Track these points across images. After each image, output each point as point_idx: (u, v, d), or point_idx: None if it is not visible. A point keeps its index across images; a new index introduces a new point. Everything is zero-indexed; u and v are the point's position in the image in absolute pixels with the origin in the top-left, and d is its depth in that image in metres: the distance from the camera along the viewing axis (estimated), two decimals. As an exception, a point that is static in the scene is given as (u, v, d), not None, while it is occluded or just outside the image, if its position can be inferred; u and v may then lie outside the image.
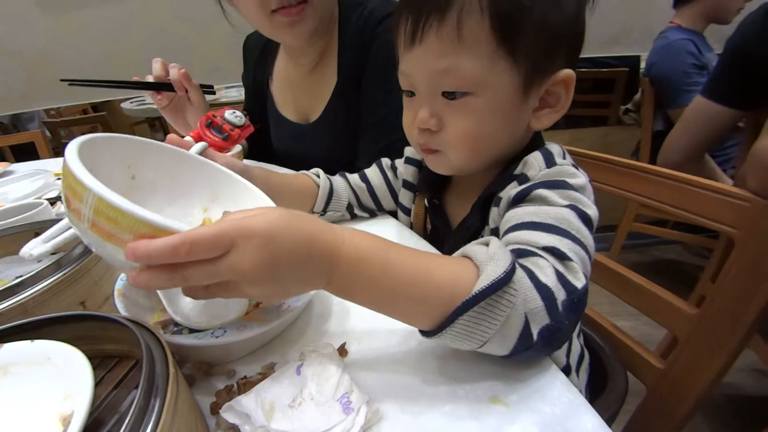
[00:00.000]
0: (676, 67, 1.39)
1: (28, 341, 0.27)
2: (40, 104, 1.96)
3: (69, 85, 0.77)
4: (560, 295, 0.30)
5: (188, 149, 0.44)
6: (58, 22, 1.70)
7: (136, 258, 0.25)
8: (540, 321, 0.29)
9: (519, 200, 0.38)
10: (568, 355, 0.49)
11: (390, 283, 0.30)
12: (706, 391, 0.51)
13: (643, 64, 1.82)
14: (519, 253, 0.33)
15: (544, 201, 0.37)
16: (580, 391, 0.50)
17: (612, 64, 1.92)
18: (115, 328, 0.29)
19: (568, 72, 0.40)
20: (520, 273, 0.30)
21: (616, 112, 2.09)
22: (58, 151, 2.15)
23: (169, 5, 1.68)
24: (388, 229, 0.60)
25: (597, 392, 0.55)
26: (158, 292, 0.38)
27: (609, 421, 0.54)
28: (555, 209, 0.36)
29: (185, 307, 0.35)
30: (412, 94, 0.44)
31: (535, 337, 0.29)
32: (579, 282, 0.32)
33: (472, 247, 0.32)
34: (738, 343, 0.48)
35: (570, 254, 0.33)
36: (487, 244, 0.32)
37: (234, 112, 0.51)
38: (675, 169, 0.53)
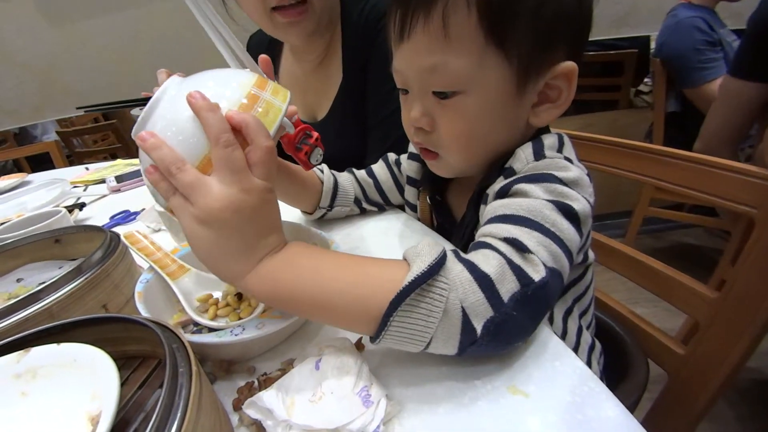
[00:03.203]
0: (688, 45, 1.35)
1: (55, 345, 0.28)
2: (53, 115, 2.01)
3: (85, 111, 0.78)
4: (508, 285, 0.29)
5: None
6: (64, 33, 1.73)
7: (248, 121, 0.31)
8: (483, 313, 0.29)
9: (501, 195, 0.37)
10: (576, 350, 0.48)
11: (322, 279, 0.31)
12: (729, 375, 0.50)
13: (653, 45, 1.77)
14: (473, 247, 0.33)
15: (524, 195, 0.35)
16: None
17: (620, 46, 1.87)
18: (137, 330, 0.30)
19: (568, 64, 0.38)
20: (457, 267, 0.29)
21: (626, 95, 2.04)
22: (72, 160, 2.20)
23: (173, 10, 1.70)
24: (398, 223, 0.60)
25: (618, 380, 0.54)
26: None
27: (630, 408, 0.54)
28: (528, 201, 0.34)
29: None
30: (406, 91, 0.43)
31: (479, 330, 0.29)
32: (537, 275, 0.30)
33: (407, 249, 0.32)
34: (761, 326, 0.47)
35: (532, 246, 0.31)
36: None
37: (321, 154, 0.51)
38: (714, 155, 0.52)
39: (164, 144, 0.31)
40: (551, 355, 0.34)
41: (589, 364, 0.50)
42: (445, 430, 0.29)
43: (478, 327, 0.29)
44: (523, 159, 0.39)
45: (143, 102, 0.75)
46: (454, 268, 0.29)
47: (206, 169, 0.31)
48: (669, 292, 0.56)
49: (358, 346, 0.36)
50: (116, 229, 0.50)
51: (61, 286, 0.38)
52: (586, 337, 0.49)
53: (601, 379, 0.52)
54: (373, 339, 0.30)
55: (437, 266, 0.29)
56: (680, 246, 1.96)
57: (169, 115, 0.32)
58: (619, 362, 0.56)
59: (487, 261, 0.30)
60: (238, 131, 0.31)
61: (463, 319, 0.28)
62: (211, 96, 0.31)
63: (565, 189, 0.35)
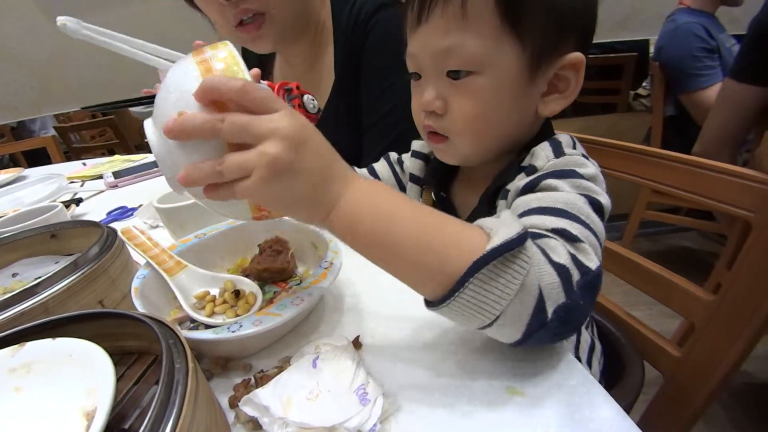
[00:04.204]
0: (685, 51, 1.36)
1: (50, 339, 0.27)
2: (51, 110, 1.99)
3: (90, 111, 0.77)
4: (575, 274, 0.29)
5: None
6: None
7: (211, 83, 0.28)
8: (555, 298, 0.28)
9: (528, 191, 0.37)
10: (576, 348, 0.48)
11: (398, 228, 0.29)
12: (724, 378, 0.51)
13: (652, 48, 1.78)
14: (530, 236, 0.32)
15: (554, 190, 0.36)
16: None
17: (620, 49, 1.88)
18: (134, 325, 0.30)
19: (577, 55, 0.39)
20: (533, 247, 0.29)
21: (625, 98, 2.05)
22: (69, 156, 2.19)
23: (171, 7, 1.70)
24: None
25: (613, 382, 0.55)
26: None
27: (626, 410, 0.54)
28: (564, 194, 0.35)
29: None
30: (418, 77, 0.43)
31: (549, 314, 0.28)
32: (592, 263, 0.30)
33: (482, 220, 0.31)
34: (756, 330, 0.47)
35: (580, 236, 0.32)
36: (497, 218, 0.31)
37: (312, 99, 0.50)
38: (713, 159, 0.52)
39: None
40: (549, 357, 0.34)
41: (589, 363, 0.50)
42: (442, 429, 0.29)
43: (550, 310, 0.28)
44: (543, 156, 0.40)
45: (145, 100, 0.75)
46: (531, 247, 0.29)
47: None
48: (665, 294, 0.57)
49: (356, 344, 0.36)
50: (113, 225, 0.50)
51: (57, 281, 0.38)
52: (586, 336, 0.50)
53: (601, 379, 0.53)
54: (437, 302, 0.29)
55: (522, 239, 0.28)
56: (676, 249, 1.97)
57: (171, 154, 0.29)
58: (615, 364, 0.56)
59: (553, 250, 0.30)
60: (222, 103, 0.29)
61: (539, 298, 0.28)
62: (177, 105, 0.28)
63: (589, 184, 0.36)
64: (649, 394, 0.57)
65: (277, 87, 0.52)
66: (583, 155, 0.41)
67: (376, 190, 0.31)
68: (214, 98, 0.28)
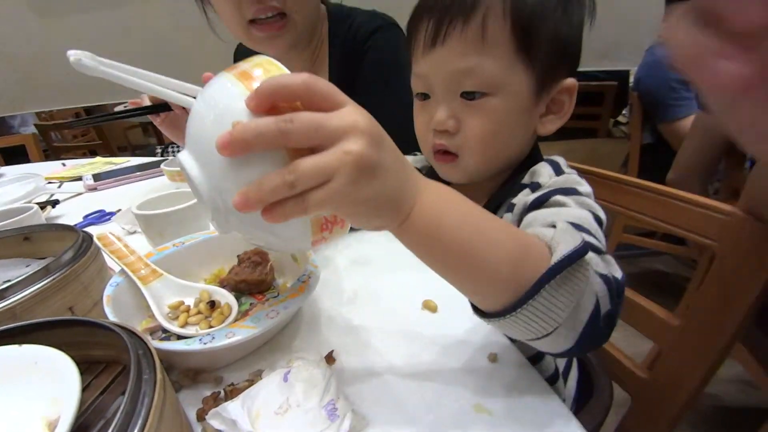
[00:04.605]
0: (662, 82, 1.43)
1: (16, 346, 0.27)
2: (33, 107, 1.96)
3: (78, 124, 0.76)
4: (613, 283, 0.30)
5: None
6: (53, 26, 1.70)
7: (269, 84, 0.24)
8: (605, 306, 0.29)
9: (537, 206, 0.39)
10: (555, 361, 0.49)
11: (478, 233, 0.28)
12: (688, 400, 0.52)
13: (632, 79, 1.86)
14: None
15: (562, 205, 0.38)
16: (569, 399, 0.51)
17: (601, 78, 1.96)
18: (103, 334, 0.29)
19: (572, 80, 0.43)
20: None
21: (605, 124, 2.13)
22: (48, 154, 2.14)
23: (167, 12, 1.70)
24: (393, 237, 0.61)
25: (583, 401, 0.56)
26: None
27: (595, 430, 0.55)
28: (574, 210, 0.36)
29: (229, 210, 0.26)
30: (426, 97, 0.45)
31: (601, 321, 0.29)
32: (618, 273, 0.32)
33: (537, 229, 0.32)
34: (719, 353, 0.49)
35: (603, 249, 0.33)
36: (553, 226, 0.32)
37: None
38: (684, 186, 0.55)
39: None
40: (516, 377, 0.34)
41: (565, 379, 0.51)
42: (409, 446, 0.29)
43: (601, 319, 0.29)
44: (545, 174, 0.43)
45: (132, 114, 0.74)
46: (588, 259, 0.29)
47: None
48: (636, 318, 0.58)
49: (329, 359, 0.36)
50: (90, 229, 0.49)
51: (27, 285, 0.37)
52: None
53: (573, 397, 0.54)
54: (503, 312, 0.28)
55: (585, 250, 0.28)
56: (651, 272, 2.02)
57: (221, 180, 0.26)
58: (584, 384, 0.58)
59: (592, 260, 0.30)
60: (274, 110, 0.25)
61: (595, 306, 0.29)
62: (222, 122, 0.25)
63: (590, 200, 0.39)
64: (619, 415, 0.58)
65: None
66: (578, 174, 0.43)
67: (450, 192, 0.29)
68: (272, 101, 0.24)
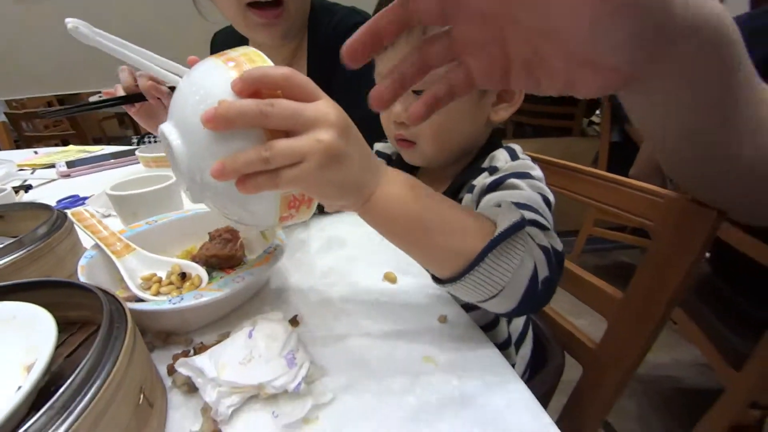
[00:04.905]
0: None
1: (-6, 302, 0.29)
2: (4, 95, 1.90)
3: (52, 115, 0.74)
4: (552, 254, 0.35)
5: None
6: (30, 12, 1.66)
7: (254, 71, 0.27)
8: (543, 272, 0.34)
9: (494, 187, 0.44)
10: (508, 327, 0.54)
11: (430, 212, 0.32)
12: (631, 367, 0.57)
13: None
14: None
15: (515, 188, 0.43)
16: (521, 364, 0.56)
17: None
18: (78, 294, 0.32)
19: None
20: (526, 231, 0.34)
21: (579, 124, 2.21)
22: (19, 144, 2.08)
23: (148, 2, 1.68)
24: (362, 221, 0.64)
25: (538, 368, 0.61)
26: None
27: (549, 392, 0.60)
28: (526, 192, 0.42)
29: (206, 181, 0.29)
30: None
31: (539, 286, 0.33)
32: (559, 246, 0.37)
33: (488, 210, 0.36)
34: (656, 323, 0.54)
35: (548, 225, 0.38)
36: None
37: None
38: (644, 180, 0.60)
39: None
40: (464, 335, 0.38)
41: (517, 347, 0.57)
42: (360, 387, 0.32)
43: (539, 282, 0.33)
44: (502, 159, 0.48)
45: (106, 105, 0.75)
46: (525, 231, 0.34)
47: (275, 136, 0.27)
48: (588, 295, 0.63)
49: (293, 322, 0.39)
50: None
51: (2, 256, 0.38)
52: (518, 321, 0.58)
53: (528, 365, 0.59)
54: (453, 278, 0.32)
55: (522, 224, 0.33)
56: (620, 264, 2.12)
57: (201, 150, 0.28)
58: (539, 353, 0.62)
59: (535, 234, 0.35)
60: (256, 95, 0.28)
61: (533, 271, 0.33)
62: (206, 101, 0.27)
63: (541, 184, 0.44)
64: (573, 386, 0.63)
65: None
66: (532, 160, 0.49)
67: (406, 177, 0.33)
68: (256, 88, 0.27)
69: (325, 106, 0.28)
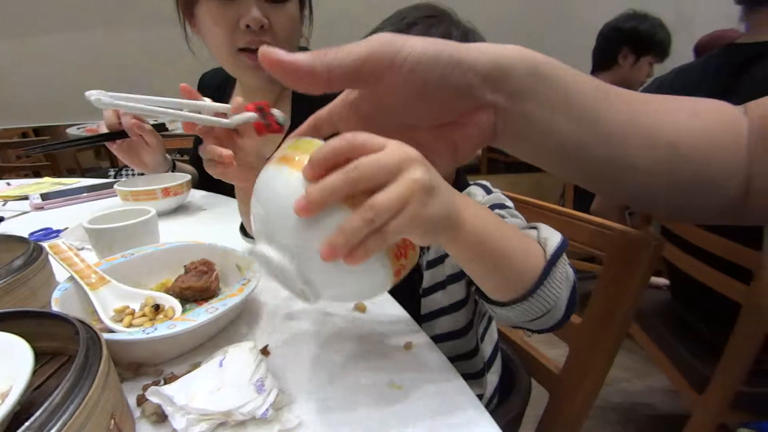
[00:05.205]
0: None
1: (-31, 333, 0.30)
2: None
3: (38, 151, 0.75)
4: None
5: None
6: (13, 46, 1.68)
7: (317, 158, 0.26)
8: (574, 287, 0.37)
9: None
10: (484, 360, 0.58)
11: (500, 240, 0.33)
12: (592, 390, 0.60)
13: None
14: None
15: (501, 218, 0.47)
16: (490, 388, 0.59)
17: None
18: (51, 324, 0.33)
19: None
20: None
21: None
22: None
23: (134, 39, 1.73)
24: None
25: (506, 394, 0.63)
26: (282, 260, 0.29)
27: (517, 417, 0.62)
28: (511, 220, 0.46)
29: (317, 274, 0.29)
30: None
31: (575, 299, 0.36)
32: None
33: (523, 230, 0.39)
34: (612, 344, 0.58)
35: None
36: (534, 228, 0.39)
37: (281, 113, 0.57)
38: (605, 214, 0.65)
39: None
40: (428, 359, 0.40)
41: (483, 374, 0.59)
42: (329, 414, 0.34)
43: (576, 292, 0.37)
44: (479, 194, 0.52)
45: (90, 142, 0.76)
46: None
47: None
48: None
49: (264, 352, 0.41)
50: (38, 242, 0.51)
51: (-25, 288, 0.39)
52: (488, 348, 0.60)
53: (496, 389, 0.61)
54: (520, 298, 0.34)
55: (566, 243, 0.36)
56: (588, 293, 2.18)
57: (300, 248, 0.28)
58: (507, 380, 0.65)
59: None
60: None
61: (573, 286, 0.36)
62: (287, 202, 0.26)
63: (516, 213, 0.49)
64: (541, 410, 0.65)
65: (252, 107, 0.59)
66: (501, 192, 0.54)
67: (479, 205, 0.35)
68: (327, 167, 0.26)
69: (399, 146, 0.27)
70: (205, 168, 0.46)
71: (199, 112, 0.45)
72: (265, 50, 0.27)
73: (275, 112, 0.56)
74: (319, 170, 0.26)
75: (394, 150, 0.26)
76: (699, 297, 1.06)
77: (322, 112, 0.36)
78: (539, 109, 0.29)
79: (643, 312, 1.21)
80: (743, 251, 0.82)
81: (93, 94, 0.37)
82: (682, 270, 1.01)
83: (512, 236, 0.34)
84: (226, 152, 0.45)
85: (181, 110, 0.46)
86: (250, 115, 0.46)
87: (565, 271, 0.36)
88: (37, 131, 2.67)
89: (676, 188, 0.32)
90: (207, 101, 0.47)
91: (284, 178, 0.28)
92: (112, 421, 0.27)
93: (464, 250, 0.32)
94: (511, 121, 0.30)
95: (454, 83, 0.28)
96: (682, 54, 1.58)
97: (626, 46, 1.58)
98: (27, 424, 0.22)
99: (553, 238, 0.36)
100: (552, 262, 0.35)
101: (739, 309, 0.84)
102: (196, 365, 0.38)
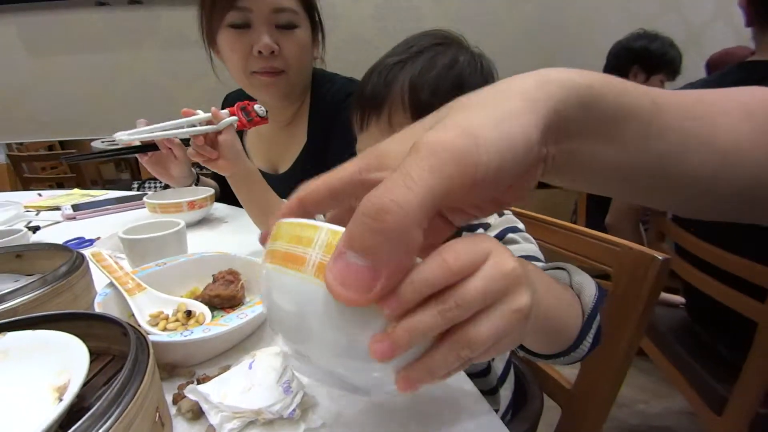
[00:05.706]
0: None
1: (29, 331, 0.33)
2: (11, 138, 1.98)
3: (69, 162, 0.85)
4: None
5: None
6: (42, 65, 1.78)
7: (412, 290, 0.19)
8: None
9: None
10: (497, 377, 0.59)
11: (557, 311, 0.35)
12: (604, 405, 0.61)
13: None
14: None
15: (514, 242, 0.48)
16: (503, 404, 0.60)
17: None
18: (100, 326, 0.36)
19: None
20: None
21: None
22: (16, 185, 2.13)
23: (157, 59, 1.82)
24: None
25: (518, 409, 0.64)
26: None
27: (529, 431, 0.63)
28: (525, 245, 0.47)
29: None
30: None
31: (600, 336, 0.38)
32: None
33: (555, 274, 0.41)
34: (621, 360, 0.59)
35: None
36: (562, 270, 0.41)
37: (261, 107, 0.69)
38: (618, 228, 0.67)
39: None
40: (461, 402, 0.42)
41: (497, 390, 0.60)
42: (351, 415, 0.36)
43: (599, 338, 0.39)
44: (491, 217, 0.52)
45: (124, 153, 0.82)
46: None
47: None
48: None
49: (289, 356, 0.43)
50: (77, 251, 0.55)
51: (28, 292, 0.43)
52: (499, 365, 0.61)
53: (510, 404, 0.62)
54: (565, 352, 0.37)
55: (604, 292, 0.38)
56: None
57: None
58: (519, 395, 0.66)
59: None
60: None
61: (599, 328, 0.38)
62: (331, 324, 0.20)
63: (528, 235, 0.50)
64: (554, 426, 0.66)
65: (235, 109, 0.68)
66: (513, 214, 0.55)
67: (543, 280, 0.35)
68: (416, 300, 0.19)
69: (502, 260, 0.21)
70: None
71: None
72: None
73: (256, 107, 0.68)
74: (406, 307, 0.19)
75: (495, 273, 0.21)
76: (715, 315, 1.05)
77: (333, 181, 0.26)
78: (585, 143, 0.24)
79: (659, 331, 1.20)
80: (759, 269, 0.82)
81: (126, 136, 0.54)
82: (697, 288, 1.00)
83: (565, 305, 0.36)
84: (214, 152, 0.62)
85: (183, 127, 0.63)
86: (232, 118, 0.64)
87: (597, 318, 0.38)
88: (63, 144, 2.79)
89: (735, 195, 0.29)
90: (199, 113, 0.65)
91: (311, 296, 0.20)
92: (157, 414, 0.30)
93: (535, 329, 0.32)
94: (552, 161, 0.24)
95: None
96: (692, 72, 1.59)
97: (636, 65, 1.60)
98: (90, 411, 0.24)
99: (587, 286, 0.38)
100: (593, 316, 0.37)
101: (756, 327, 0.84)
102: (226, 368, 0.41)
